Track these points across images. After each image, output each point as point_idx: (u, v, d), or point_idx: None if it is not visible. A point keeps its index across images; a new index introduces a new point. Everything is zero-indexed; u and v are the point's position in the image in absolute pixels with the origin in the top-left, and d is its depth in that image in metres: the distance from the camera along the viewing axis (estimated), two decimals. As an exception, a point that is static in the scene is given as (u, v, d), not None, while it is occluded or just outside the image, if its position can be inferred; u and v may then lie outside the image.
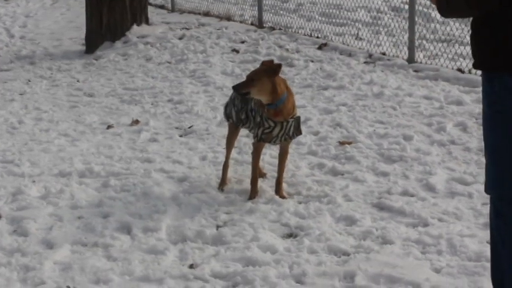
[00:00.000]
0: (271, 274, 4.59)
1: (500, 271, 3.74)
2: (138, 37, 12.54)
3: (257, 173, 5.94)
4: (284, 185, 5.98)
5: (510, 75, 3.46)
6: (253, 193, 5.87)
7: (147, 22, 13.20)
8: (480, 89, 8.49)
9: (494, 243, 3.77)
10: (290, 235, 5.22)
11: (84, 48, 12.77)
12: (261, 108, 5.74)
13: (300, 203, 5.74)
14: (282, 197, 5.83)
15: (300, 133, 5.93)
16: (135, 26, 12.83)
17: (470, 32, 3.65)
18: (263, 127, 5.75)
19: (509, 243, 3.65)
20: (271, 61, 5.86)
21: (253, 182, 5.90)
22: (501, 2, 3.38)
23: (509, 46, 3.43)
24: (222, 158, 6.66)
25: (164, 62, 11.19)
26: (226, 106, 6.20)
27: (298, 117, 5.87)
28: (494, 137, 3.62)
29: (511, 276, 3.67)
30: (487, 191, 3.73)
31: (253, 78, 5.64)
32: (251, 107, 5.90)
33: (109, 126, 8.15)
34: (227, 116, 6.17)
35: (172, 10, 15.49)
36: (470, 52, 8.92)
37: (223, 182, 6.14)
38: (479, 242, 4.88)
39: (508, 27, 3.41)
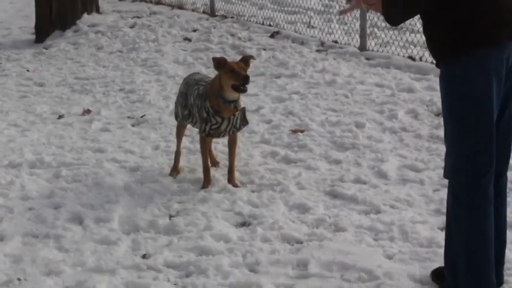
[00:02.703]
0: (224, 263, 4.59)
1: (454, 253, 3.83)
2: (88, 26, 12.39)
3: (208, 163, 5.93)
4: (237, 174, 5.97)
5: (463, 59, 3.63)
6: (206, 182, 5.85)
7: (97, 11, 13.06)
8: (430, 76, 8.55)
9: (449, 226, 3.89)
10: (243, 224, 5.22)
11: (33, 37, 12.58)
12: (211, 102, 5.70)
13: (253, 191, 5.74)
14: (235, 185, 5.82)
15: (247, 123, 5.94)
16: (85, 15, 12.69)
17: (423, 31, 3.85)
18: (210, 123, 5.72)
19: (463, 227, 3.78)
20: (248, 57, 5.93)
21: (205, 171, 5.88)
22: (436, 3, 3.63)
23: (455, 33, 3.63)
24: (174, 147, 6.63)
25: (115, 51, 11.09)
26: (175, 106, 6.20)
27: (243, 108, 5.87)
28: (454, 124, 3.76)
29: (463, 259, 3.79)
30: (446, 175, 3.88)
31: (245, 69, 5.67)
32: (191, 102, 5.88)
33: (60, 116, 8.06)
34: (175, 115, 6.20)
35: (124, -2, 15.34)
36: (421, 40, 9.02)
37: (175, 169, 6.14)
38: (430, 228, 4.93)
39: (447, 18, 3.63)
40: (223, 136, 5.90)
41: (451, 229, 3.90)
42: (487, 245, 3.76)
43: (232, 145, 5.93)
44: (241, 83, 5.53)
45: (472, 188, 3.74)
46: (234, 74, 5.57)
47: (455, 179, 3.81)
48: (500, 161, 3.86)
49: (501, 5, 3.62)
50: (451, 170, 3.82)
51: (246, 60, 5.81)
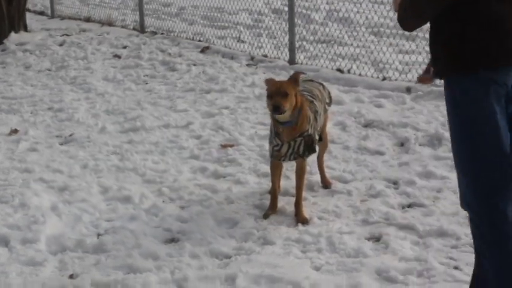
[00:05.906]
0: (152, 280, 4.56)
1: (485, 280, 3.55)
2: (16, 45, 12.26)
3: (276, 188, 5.56)
4: (166, 190, 5.96)
5: (467, 78, 3.37)
6: (270, 209, 5.52)
7: (25, 29, 12.95)
8: (358, 88, 8.64)
9: (477, 253, 3.58)
10: (172, 240, 5.19)
11: (-40, 57, 12.41)
12: (271, 121, 5.41)
13: (182, 207, 5.71)
14: (303, 221, 5.31)
15: (314, 151, 5.51)
16: (13, 34, 12.58)
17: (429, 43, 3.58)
18: (272, 144, 5.43)
19: (491, 254, 3.47)
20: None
21: (272, 198, 5.55)
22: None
23: (462, 49, 3.35)
24: (103, 166, 6.59)
25: (44, 69, 10.97)
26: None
27: (309, 136, 5.38)
28: (464, 147, 3.47)
29: (496, 285, 3.48)
30: (462, 206, 3.57)
31: (286, 92, 5.14)
32: None
33: (-14, 137, 7.93)
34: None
35: (52, 16, 15.23)
36: (348, 52, 9.08)
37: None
38: (357, 238, 4.98)
39: (455, 33, 3.36)
40: (284, 160, 5.51)
41: (479, 257, 3.54)
42: None
43: (298, 174, 5.48)
44: (271, 112, 5.27)
45: (490, 216, 3.42)
46: (269, 101, 5.23)
47: (470, 207, 3.49)
48: None
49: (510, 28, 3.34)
50: (465, 198, 3.51)
51: (295, 79, 5.30)
